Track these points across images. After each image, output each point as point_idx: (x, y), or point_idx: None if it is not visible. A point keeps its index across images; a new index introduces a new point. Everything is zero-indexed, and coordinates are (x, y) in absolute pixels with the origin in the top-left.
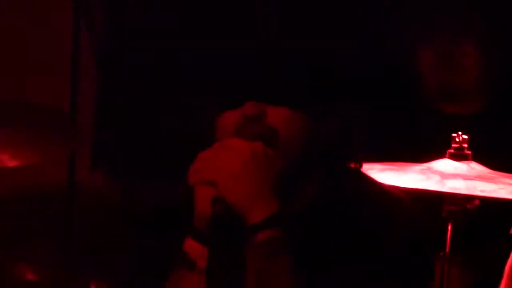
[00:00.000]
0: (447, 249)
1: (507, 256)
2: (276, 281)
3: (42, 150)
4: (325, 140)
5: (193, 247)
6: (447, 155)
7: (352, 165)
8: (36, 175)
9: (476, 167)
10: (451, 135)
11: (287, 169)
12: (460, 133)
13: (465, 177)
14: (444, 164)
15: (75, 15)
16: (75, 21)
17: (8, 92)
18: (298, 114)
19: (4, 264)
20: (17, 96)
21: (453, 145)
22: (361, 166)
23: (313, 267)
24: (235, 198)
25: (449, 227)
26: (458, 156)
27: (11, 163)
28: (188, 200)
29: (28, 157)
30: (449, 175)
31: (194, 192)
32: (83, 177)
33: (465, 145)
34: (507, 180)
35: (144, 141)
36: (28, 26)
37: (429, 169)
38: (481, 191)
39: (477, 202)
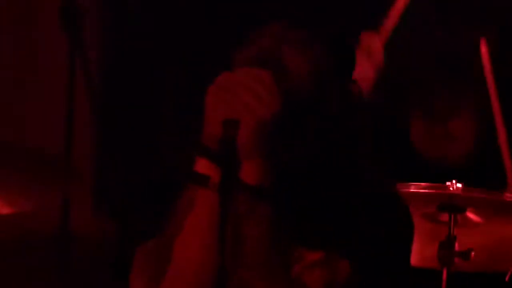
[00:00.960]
0: None
1: None
2: (254, 227)
3: (36, 196)
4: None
5: (205, 166)
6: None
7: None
8: (31, 221)
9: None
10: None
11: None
12: (454, 181)
13: None
14: None
15: (70, 59)
16: (70, 65)
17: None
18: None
19: None
20: (11, 140)
21: None
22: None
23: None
24: (247, 144)
25: (444, 273)
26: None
27: (4, 210)
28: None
29: (22, 204)
30: None
31: (205, 110)
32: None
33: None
34: None
35: (146, 182)
36: (24, 67)
37: None
38: None
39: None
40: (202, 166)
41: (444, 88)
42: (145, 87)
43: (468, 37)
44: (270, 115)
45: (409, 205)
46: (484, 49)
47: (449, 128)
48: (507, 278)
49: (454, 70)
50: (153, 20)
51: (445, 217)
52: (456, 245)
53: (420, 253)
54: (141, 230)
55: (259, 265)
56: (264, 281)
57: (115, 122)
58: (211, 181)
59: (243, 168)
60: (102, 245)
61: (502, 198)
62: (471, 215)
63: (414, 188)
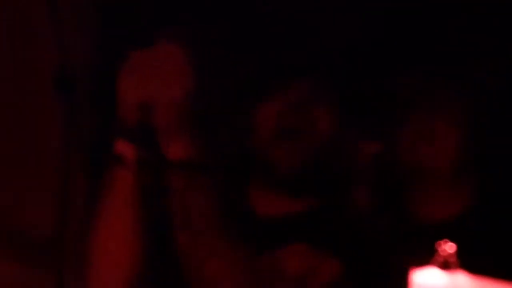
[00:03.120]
0: None
1: None
2: (199, 197)
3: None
4: None
5: (123, 145)
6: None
7: None
8: None
9: (462, 282)
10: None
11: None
12: (446, 240)
13: None
14: (427, 276)
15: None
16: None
17: None
18: None
19: None
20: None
21: (438, 254)
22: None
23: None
24: (166, 124)
25: None
26: (443, 265)
27: None
28: None
29: None
30: None
31: (119, 91)
32: None
33: (451, 253)
34: None
35: None
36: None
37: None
38: None
39: None
40: (121, 146)
41: None
42: None
43: None
44: (184, 95)
45: None
46: None
47: None
48: None
49: None
50: None
51: None
52: None
53: None
54: None
55: (209, 233)
56: (216, 252)
57: None
58: (130, 159)
59: (171, 145)
60: None
61: None
62: None
63: None
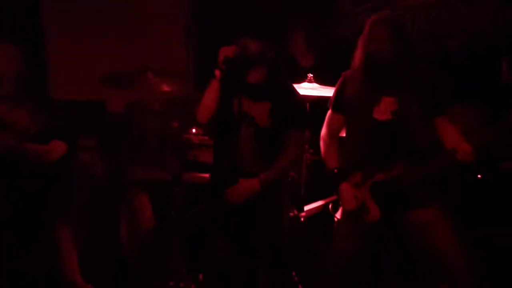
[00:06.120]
0: None
1: None
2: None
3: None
4: None
5: (217, 72)
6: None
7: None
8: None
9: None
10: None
11: None
12: (310, 74)
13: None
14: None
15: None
16: (188, 40)
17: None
18: None
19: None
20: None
21: (307, 78)
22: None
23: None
24: None
25: None
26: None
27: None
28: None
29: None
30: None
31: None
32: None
33: (311, 76)
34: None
35: None
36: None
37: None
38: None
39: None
40: (217, 72)
41: None
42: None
43: None
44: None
45: None
46: None
47: None
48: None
49: None
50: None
51: None
52: None
53: None
54: None
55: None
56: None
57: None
58: (217, 76)
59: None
60: None
61: None
62: None
63: None
